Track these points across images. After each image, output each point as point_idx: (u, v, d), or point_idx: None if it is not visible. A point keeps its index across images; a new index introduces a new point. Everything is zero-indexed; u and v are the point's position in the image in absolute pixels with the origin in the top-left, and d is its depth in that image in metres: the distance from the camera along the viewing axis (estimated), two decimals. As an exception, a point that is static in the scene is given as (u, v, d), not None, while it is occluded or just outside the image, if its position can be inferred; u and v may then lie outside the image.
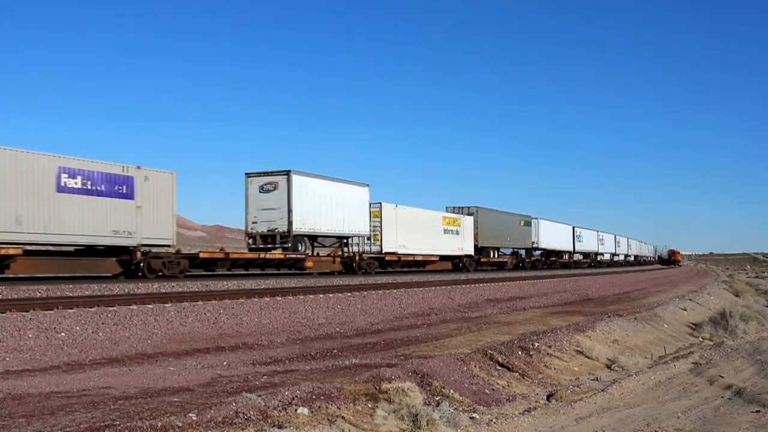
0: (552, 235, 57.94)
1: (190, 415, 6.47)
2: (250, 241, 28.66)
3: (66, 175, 20.38)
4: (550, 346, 13.70)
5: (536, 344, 13.34)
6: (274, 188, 27.96)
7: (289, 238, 27.80)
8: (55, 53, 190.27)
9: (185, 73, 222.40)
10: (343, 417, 7.62)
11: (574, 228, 65.00)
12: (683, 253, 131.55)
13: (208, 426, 6.37)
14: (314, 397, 7.78)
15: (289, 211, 27.67)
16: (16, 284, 17.58)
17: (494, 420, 8.74)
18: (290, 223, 27.67)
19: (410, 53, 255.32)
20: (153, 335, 13.00)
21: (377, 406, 8.20)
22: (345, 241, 32.03)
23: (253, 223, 28.37)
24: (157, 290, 17.97)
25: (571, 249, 64.39)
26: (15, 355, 10.47)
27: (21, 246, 18.96)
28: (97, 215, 21.15)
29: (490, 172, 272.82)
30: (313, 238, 30.27)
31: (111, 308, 14.07)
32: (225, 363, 10.40)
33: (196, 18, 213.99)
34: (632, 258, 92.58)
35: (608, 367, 13.91)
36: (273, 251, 27.99)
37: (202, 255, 24.90)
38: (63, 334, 12.06)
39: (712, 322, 21.83)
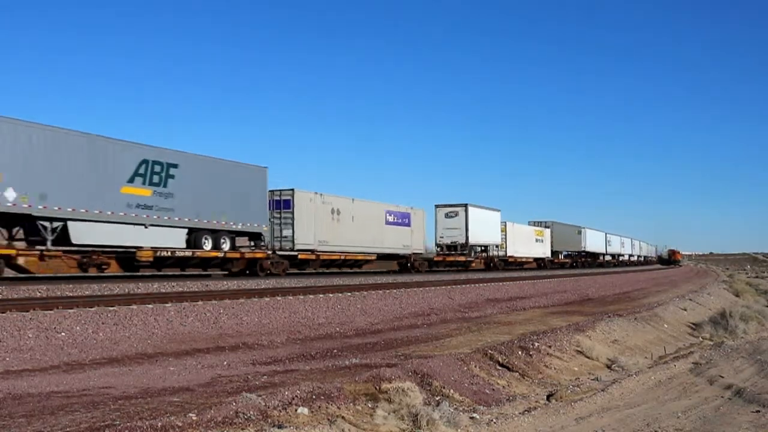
0: (594, 241, 72.29)
1: (190, 415, 6.47)
2: (438, 249, 44.24)
3: (388, 215, 37.03)
4: (550, 346, 13.71)
5: (536, 344, 13.35)
6: (456, 215, 43.90)
7: (466, 248, 44.03)
8: (56, 53, 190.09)
9: (184, 73, 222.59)
10: (343, 417, 7.62)
11: (606, 234, 78.64)
12: (683, 253, 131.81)
13: (208, 426, 6.38)
14: (314, 397, 7.78)
15: (467, 230, 43.60)
16: (16, 284, 17.60)
17: (494, 420, 8.75)
18: (467, 238, 43.74)
19: (410, 53, 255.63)
20: (153, 335, 13.01)
21: (377, 406, 8.20)
22: (486, 247, 48.15)
23: (441, 237, 44.13)
24: (157, 290, 17.99)
25: (604, 251, 78.28)
26: (15, 355, 10.47)
27: (376, 254, 35.76)
28: (398, 237, 37.52)
29: (489, 172, 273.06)
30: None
31: (111, 308, 14.08)
32: (225, 363, 10.41)
33: (196, 18, 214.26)
34: (642, 258, 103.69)
35: (608, 367, 13.91)
36: (456, 255, 43.79)
37: (435, 258, 42.00)
38: (63, 334, 12.07)
39: (712, 322, 21.83)
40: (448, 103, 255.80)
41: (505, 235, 49.88)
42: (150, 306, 14.75)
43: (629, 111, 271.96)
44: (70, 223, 20.33)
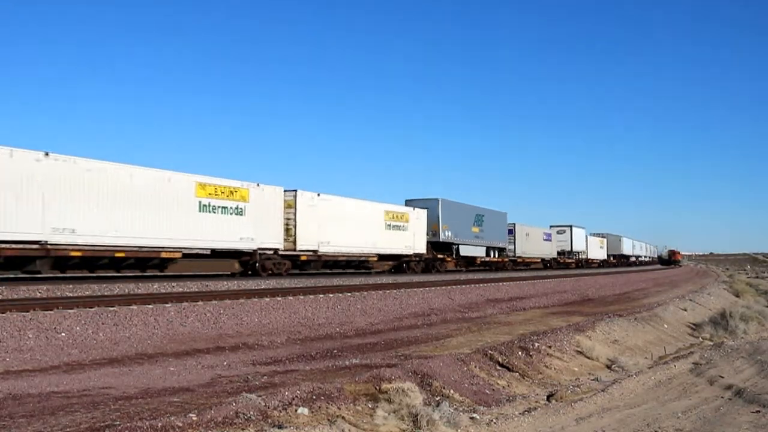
0: (627, 246, 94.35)
1: (191, 415, 6.47)
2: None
3: (545, 234, 59.68)
4: (550, 347, 13.71)
5: (536, 344, 13.35)
6: (564, 232, 66.23)
7: (571, 254, 67.26)
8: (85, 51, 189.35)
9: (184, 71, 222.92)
10: (343, 417, 7.63)
11: (632, 241, 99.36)
12: (683, 253, 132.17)
13: (209, 426, 6.38)
14: (314, 397, 7.79)
15: (571, 242, 66.86)
16: (16, 284, 17.59)
17: (494, 420, 8.75)
18: (572, 247, 67.08)
19: (412, 55, 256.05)
20: (153, 335, 13.01)
21: (377, 406, 8.20)
22: (578, 253, 70.27)
23: (555, 247, 62.75)
24: (157, 290, 17.98)
25: (632, 253, 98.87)
26: (15, 355, 10.48)
27: (540, 258, 58.69)
28: (549, 248, 60.56)
29: (489, 173, 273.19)
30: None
31: (111, 308, 14.07)
32: (225, 363, 10.41)
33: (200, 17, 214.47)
34: (651, 258, 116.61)
35: (608, 367, 13.92)
36: (565, 258, 65.73)
37: (559, 260, 63.73)
38: (63, 334, 12.07)
39: (712, 322, 21.83)
40: (445, 104, 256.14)
41: (587, 244, 73.30)
42: (150, 306, 14.74)
43: (629, 111, 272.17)
44: (460, 246, 42.38)
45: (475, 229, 44.81)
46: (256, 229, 25.43)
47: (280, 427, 6.84)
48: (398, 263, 35.97)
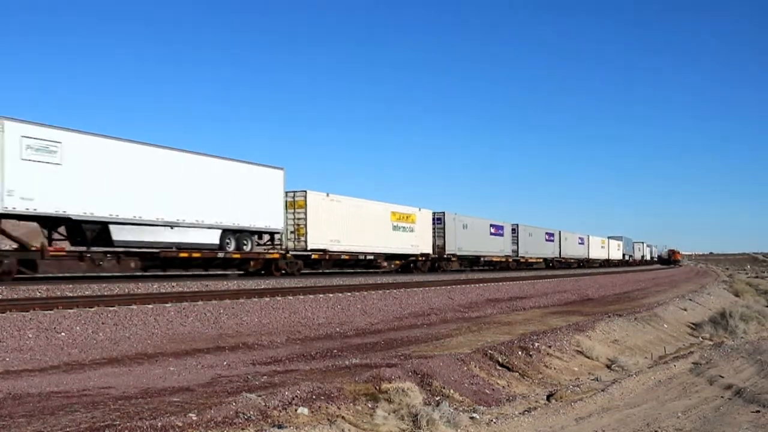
0: (654, 250, 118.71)
1: (190, 415, 6.47)
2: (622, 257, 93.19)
3: (638, 246, 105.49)
4: (550, 346, 13.70)
5: (536, 344, 13.35)
6: (641, 245, 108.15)
7: (643, 257, 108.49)
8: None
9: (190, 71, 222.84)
10: (343, 417, 7.63)
11: (644, 244, 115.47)
12: (683, 253, 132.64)
13: (208, 426, 6.38)
14: (314, 397, 7.78)
15: (643, 250, 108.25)
16: (16, 284, 17.58)
17: (494, 420, 8.75)
18: (643, 252, 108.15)
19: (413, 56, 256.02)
20: (153, 335, 13.01)
21: (377, 406, 8.20)
22: (644, 256, 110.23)
23: (627, 251, 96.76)
24: (157, 290, 17.98)
25: (654, 255, 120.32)
26: (15, 355, 10.48)
27: (637, 260, 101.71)
28: (640, 255, 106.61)
29: (491, 175, 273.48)
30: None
31: (111, 308, 14.08)
32: (225, 363, 10.41)
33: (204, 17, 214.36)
34: (656, 258, 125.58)
35: (608, 367, 13.91)
36: (630, 260, 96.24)
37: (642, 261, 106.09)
38: (63, 334, 12.07)
39: (712, 322, 21.83)
40: (441, 106, 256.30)
41: (646, 250, 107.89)
42: (150, 306, 14.75)
43: (629, 111, 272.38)
44: (625, 255, 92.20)
45: (627, 247, 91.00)
46: None
47: (280, 426, 6.84)
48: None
